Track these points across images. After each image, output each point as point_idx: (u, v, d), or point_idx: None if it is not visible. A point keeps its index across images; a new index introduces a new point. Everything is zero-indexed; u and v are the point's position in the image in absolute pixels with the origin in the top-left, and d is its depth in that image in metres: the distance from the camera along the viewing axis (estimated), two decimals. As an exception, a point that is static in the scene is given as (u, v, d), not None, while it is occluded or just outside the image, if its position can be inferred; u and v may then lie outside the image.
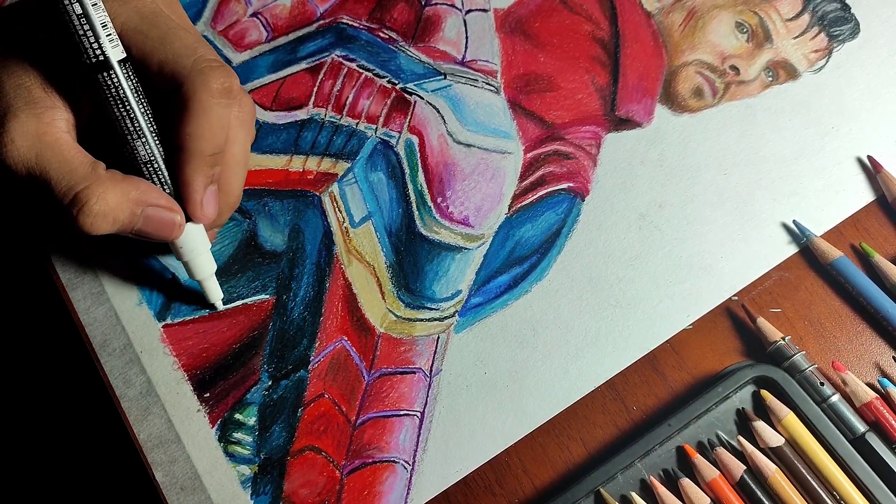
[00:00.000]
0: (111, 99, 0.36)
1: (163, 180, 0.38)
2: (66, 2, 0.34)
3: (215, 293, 0.42)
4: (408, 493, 0.40)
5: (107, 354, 0.42)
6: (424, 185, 0.46)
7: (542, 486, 0.41)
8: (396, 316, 0.43)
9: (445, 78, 0.48)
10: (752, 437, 0.40)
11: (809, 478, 0.39)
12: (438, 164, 0.46)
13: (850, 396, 0.41)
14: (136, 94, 0.36)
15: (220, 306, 0.43)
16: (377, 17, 0.49)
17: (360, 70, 0.48)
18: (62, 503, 0.68)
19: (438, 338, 0.43)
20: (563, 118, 0.48)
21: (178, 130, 0.36)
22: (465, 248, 0.45)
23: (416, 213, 0.45)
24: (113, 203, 0.35)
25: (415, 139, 0.47)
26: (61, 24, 0.34)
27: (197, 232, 0.39)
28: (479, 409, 0.42)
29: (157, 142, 0.37)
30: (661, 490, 0.39)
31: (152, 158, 0.37)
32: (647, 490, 0.40)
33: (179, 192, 0.38)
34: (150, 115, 0.37)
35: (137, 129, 0.36)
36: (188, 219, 0.38)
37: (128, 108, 0.36)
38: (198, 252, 0.40)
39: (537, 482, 0.41)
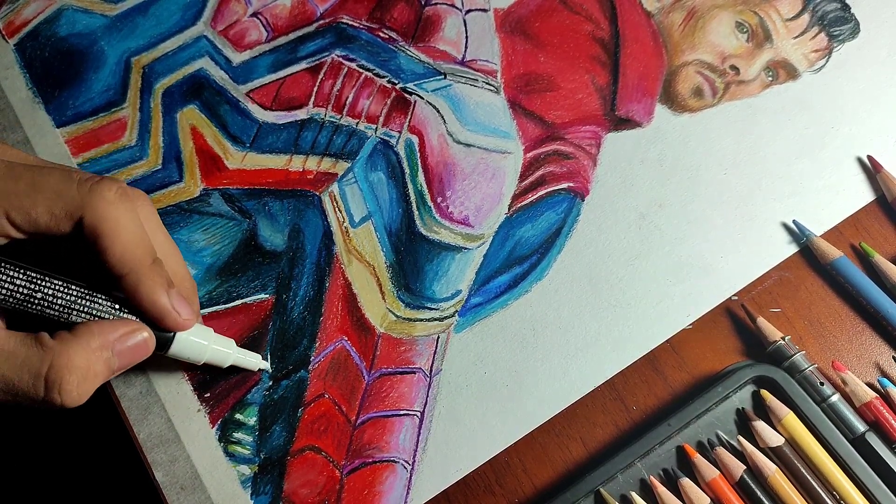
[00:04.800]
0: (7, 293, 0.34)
1: (101, 309, 0.36)
2: None
3: (252, 363, 0.41)
4: (408, 493, 0.40)
5: (107, 354, 0.42)
6: (424, 185, 0.46)
7: (542, 486, 0.41)
8: (396, 316, 0.43)
9: (445, 78, 0.48)
10: (752, 437, 0.40)
11: (809, 477, 0.39)
12: (438, 163, 0.46)
13: (850, 396, 0.41)
14: (22, 272, 0.34)
15: (267, 366, 0.42)
16: (377, 16, 0.49)
17: (360, 70, 0.48)
18: (62, 503, 0.68)
19: (438, 338, 0.43)
20: (563, 118, 0.48)
21: (107, 261, 0.34)
22: (465, 248, 0.45)
23: (416, 212, 0.45)
24: (83, 364, 0.33)
25: (415, 139, 0.47)
26: None
27: (185, 336, 0.38)
28: (479, 409, 0.42)
29: (69, 285, 0.35)
30: (661, 490, 0.39)
31: (78, 301, 0.35)
32: (647, 490, 0.40)
33: (143, 314, 0.36)
34: (46, 276, 0.34)
35: (49, 296, 0.34)
36: (171, 331, 0.37)
37: (28, 287, 0.34)
38: (200, 347, 0.39)
39: (537, 482, 0.41)
